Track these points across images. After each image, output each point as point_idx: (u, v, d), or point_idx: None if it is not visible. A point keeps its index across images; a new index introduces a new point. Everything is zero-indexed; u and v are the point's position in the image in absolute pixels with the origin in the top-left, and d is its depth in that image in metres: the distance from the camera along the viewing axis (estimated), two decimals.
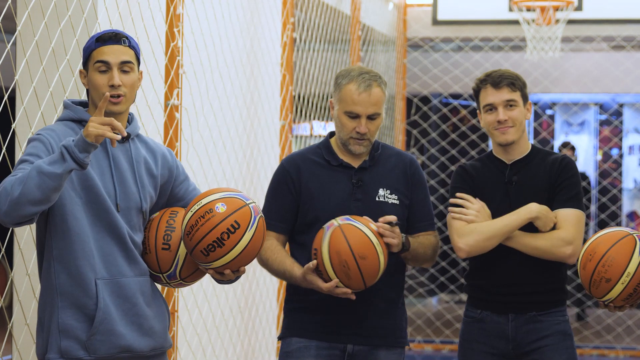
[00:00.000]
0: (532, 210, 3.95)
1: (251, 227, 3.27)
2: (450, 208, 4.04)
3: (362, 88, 3.76)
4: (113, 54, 3.27)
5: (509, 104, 3.99)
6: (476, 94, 4.06)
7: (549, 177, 4.00)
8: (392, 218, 3.71)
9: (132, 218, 3.33)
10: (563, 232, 3.94)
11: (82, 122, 3.29)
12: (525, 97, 4.04)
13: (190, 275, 3.40)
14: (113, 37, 3.28)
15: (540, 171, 4.02)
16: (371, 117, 3.79)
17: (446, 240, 10.89)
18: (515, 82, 4.00)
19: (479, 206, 4.00)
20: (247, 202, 3.31)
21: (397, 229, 3.71)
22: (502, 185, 4.04)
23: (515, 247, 3.96)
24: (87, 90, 3.34)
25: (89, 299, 3.22)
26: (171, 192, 3.48)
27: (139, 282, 3.32)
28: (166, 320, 3.44)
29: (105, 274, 3.25)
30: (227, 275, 3.33)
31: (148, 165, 3.39)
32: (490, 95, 4.01)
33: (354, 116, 3.78)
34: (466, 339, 4.08)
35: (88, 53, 3.29)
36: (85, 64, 3.31)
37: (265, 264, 3.85)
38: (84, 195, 3.22)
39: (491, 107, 4.00)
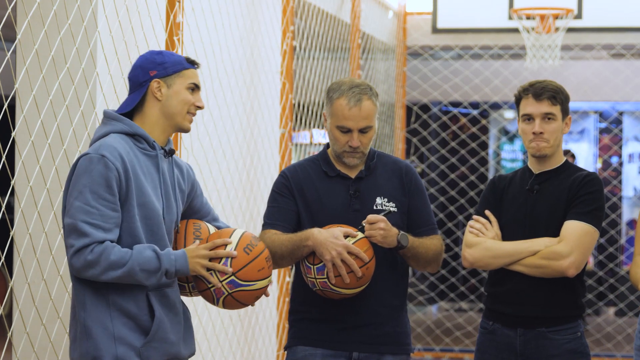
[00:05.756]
0: (546, 245, 3.93)
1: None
2: (470, 222, 4.08)
3: (353, 103, 3.77)
4: (198, 78, 3.45)
5: (547, 117, 3.97)
6: (517, 102, 4.05)
7: (569, 190, 3.96)
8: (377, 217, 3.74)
9: (171, 230, 3.45)
10: (560, 245, 3.90)
11: (134, 136, 3.35)
12: (565, 112, 4.01)
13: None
14: (197, 64, 3.46)
15: (563, 184, 3.98)
16: (363, 131, 3.81)
17: (446, 248, 10.89)
18: (557, 96, 3.97)
19: (493, 234, 4.02)
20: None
21: (381, 224, 3.72)
22: (523, 193, 4.03)
23: (517, 270, 3.96)
24: (144, 100, 3.38)
25: (140, 310, 3.30)
26: (189, 204, 3.60)
27: (177, 292, 3.44)
28: (192, 325, 3.57)
29: (154, 285, 3.33)
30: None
31: (179, 181, 3.52)
32: (530, 106, 3.99)
33: (346, 130, 3.80)
34: (479, 349, 4.11)
35: (179, 69, 3.40)
36: (170, 77, 3.38)
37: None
38: (140, 212, 3.31)
39: (529, 117, 3.99)
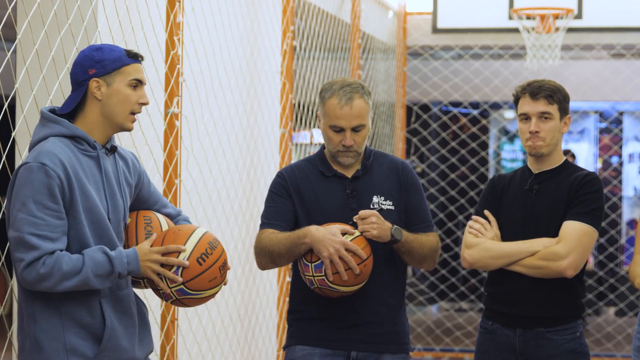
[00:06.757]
0: (544, 246, 3.94)
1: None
2: (469, 223, 4.09)
3: (344, 101, 3.79)
4: (142, 72, 3.31)
5: (544, 116, 3.98)
6: (515, 101, 4.06)
7: (569, 190, 3.97)
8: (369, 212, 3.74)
9: (120, 230, 3.35)
10: (558, 246, 3.91)
11: (74, 138, 3.23)
12: (563, 111, 4.01)
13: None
14: (140, 57, 3.31)
15: (563, 184, 3.99)
16: (355, 129, 3.82)
17: (446, 248, 10.90)
18: (553, 95, 3.98)
19: (492, 234, 4.02)
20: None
21: (372, 219, 3.72)
22: (523, 192, 4.04)
23: (516, 270, 3.97)
24: (84, 99, 3.27)
25: (93, 318, 3.24)
26: (137, 195, 3.50)
27: (131, 293, 3.37)
28: (149, 322, 3.49)
29: (107, 291, 3.28)
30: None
31: (125, 175, 3.41)
32: (526, 105, 4.01)
33: (339, 130, 3.82)
34: (479, 349, 4.11)
35: (119, 66, 3.25)
36: (109, 75, 3.25)
37: (266, 250, 3.81)
38: (87, 217, 3.22)
39: (526, 117, 4.01)
